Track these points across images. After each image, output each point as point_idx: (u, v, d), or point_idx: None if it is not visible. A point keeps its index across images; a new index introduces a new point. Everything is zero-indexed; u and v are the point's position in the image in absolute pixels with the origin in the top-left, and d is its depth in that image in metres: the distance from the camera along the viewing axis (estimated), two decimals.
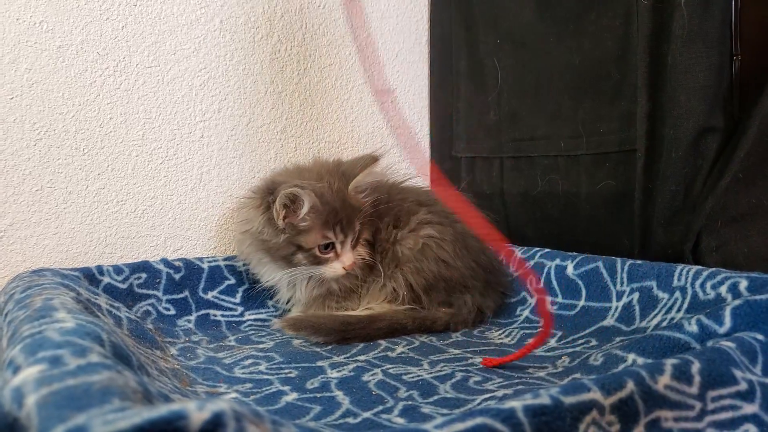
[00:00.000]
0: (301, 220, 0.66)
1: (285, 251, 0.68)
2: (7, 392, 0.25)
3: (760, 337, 0.42)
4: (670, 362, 0.37)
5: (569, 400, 0.32)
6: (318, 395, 0.49)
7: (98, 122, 0.78)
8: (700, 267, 0.57)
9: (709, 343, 0.44)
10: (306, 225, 0.66)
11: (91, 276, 0.71)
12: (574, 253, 0.72)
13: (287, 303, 0.77)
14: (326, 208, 0.66)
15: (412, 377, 0.53)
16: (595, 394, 0.33)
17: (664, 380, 0.36)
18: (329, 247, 0.68)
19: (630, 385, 0.35)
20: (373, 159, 0.71)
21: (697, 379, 0.37)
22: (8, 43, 0.72)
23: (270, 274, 0.72)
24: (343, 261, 0.68)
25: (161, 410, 0.21)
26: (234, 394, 0.50)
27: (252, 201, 0.70)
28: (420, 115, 1.05)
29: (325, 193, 0.67)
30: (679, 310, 0.56)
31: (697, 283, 0.55)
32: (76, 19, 0.76)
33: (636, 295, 0.61)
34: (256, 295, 0.82)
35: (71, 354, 0.29)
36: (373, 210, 0.71)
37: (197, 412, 0.21)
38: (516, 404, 0.31)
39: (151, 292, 0.75)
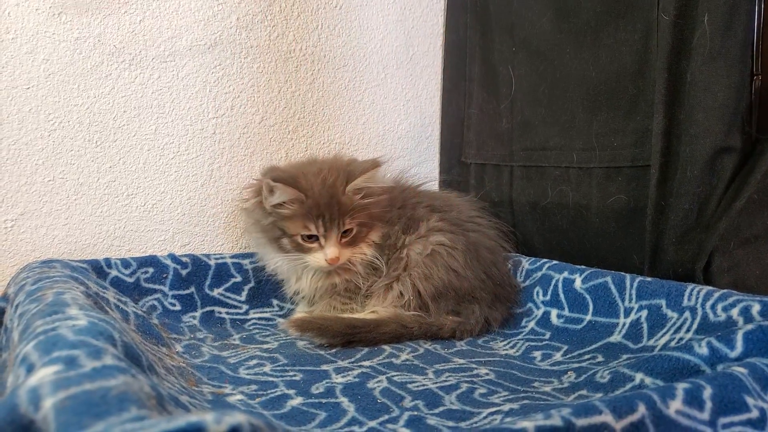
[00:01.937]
0: (283, 208, 0.69)
1: (272, 234, 0.72)
2: (23, 392, 0.25)
3: None
4: (681, 386, 0.37)
5: (581, 422, 0.32)
6: (323, 401, 0.49)
7: (112, 115, 0.78)
8: (711, 288, 0.57)
9: (720, 367, 0.44)
10: (288, 213, 0.69)
11: (99, 269, 0.71)
12: (583, 267, 0.71)
13: (294, 295, 0.77)
14: (310, 201, 0.68)
15: (417, 386, 0.53)
16: (607, 417, 0.33)
17: (675, 405, 0.36)
18: (312, 237, 0.70)
19: (641, 409, 0.34)
20: (374, 164, 0.72)
21: (708, 405, 0.37)
22: (27, 33, 0.72)
23: (269, 256, 0.75)
24: (326, 253, 0.69)
25: (179, 422, 0.21)
26: (240, 396, 0.50)
27: (253, 183, 0.75)
28: (431, 119, 1.05)
29: (313, 188, 0.69)
30: (688, 331, 0.55)
31: (708, 304, 0.55)
32: (95, 11, 0.76)
33: (644, 313, 0.61)
34: (262, 293, 0.82)
35: (86, 355, 0.29)
36: (378, 212, 0.72)
37: (215, 425, 0.21)
38: (528, 425, 0.31)
39: (157, 286, 0.75)
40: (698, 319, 0.55)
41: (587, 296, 0.68)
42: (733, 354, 0.45)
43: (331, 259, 0.69)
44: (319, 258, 0.70)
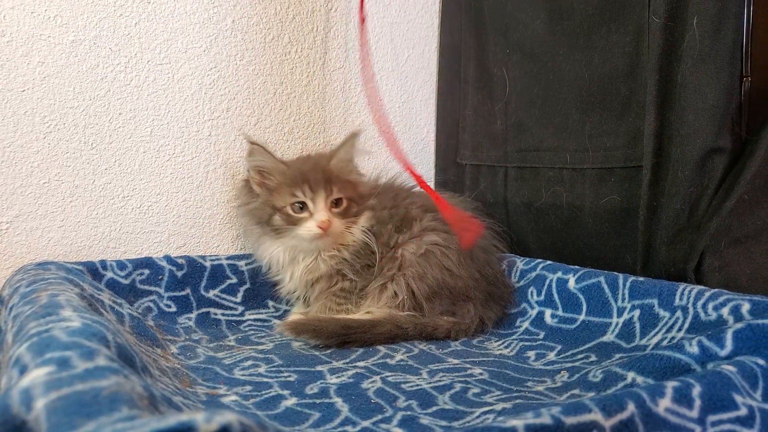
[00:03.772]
0: (268, 180, 0.73)
1: (264, 214, 0.74)
2: (15, 393, 0.25)
3: (761, 362, 0.42)
4: (671, 384, 0.38)
5: (570, 420, 0.32)
6: (317, 401, 0.49)
7: (107, 117, 0.79)
8: (702, 287, 0.57)
9: (710, 366, 0.45)
10: (274, 184, 0.73)
11: (94, 270, 0.71)
12: (576, 267, 0.72)
13: (288, 295, 0.78)
14: (293, 170, 0.72)
15: (411, 386, 0.53)
16: (596, 416, 0.33)
17: (664, 403, 0.36)
18: (303, 208, 0.72)
19: (631, 407, 0.35)
20: (352, 135, 0.77)
21: (697, 402, 0.37)
22: (22, 36, 0.73)
23: (265, 247, 0.76)
24: (316, 218, 0.71)
25: (169, 421, 0.21)
26: (234, 397, 0.50)
27: (240, 183, 0.79)
28: (426, 121, 1.05)
29: (295, 163, 0.74)
30: (679, 330, 0.56)
31: (699, 303, 0.55)
32: (91, 14, 0.76)
33: (637, 312, 0.61)
34: (257, 295, 0.82)
35: (79, 356, 0.30)
36: (366, 191, 0.76)
37: (205, 424, 0.22)
38: (517, 423, 0.31)
39: (153, 288, 0.75)
40: (690, 318, 0.55)
41: (581, 296, 0.68)
42: (723, 353, 0.45)
43: (321, 221, 0.70)
44: (310, 226, 0.71)
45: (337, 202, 0.72)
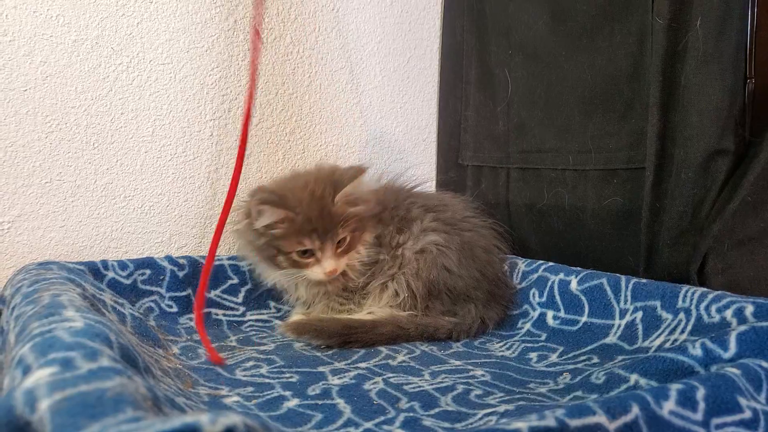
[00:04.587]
0: (274, 228, 0.68)
1: (267, 253, 0.70)
2: (19, 394, 0.25)
3: (765, 364, 0.42)
4: (675, 387, 0.37)
5: (574, 423, 0.32)
6: (319, 402, 0.49)
7: (109, 117, 0.79)
8: (705, 289, 0.57)
9: (714, 368, 0.44)
10: (281, 232, 0.68)
11: (95, 270, 0.71)
12: (579, 268, 0.72)
13: (296, 301, 0.78)
14: (301, 217, 0.67)
15: (413, 388, 0.53)
16: (600, 418, 0.33)
17: (669, 405, 0.36)
18: (307, 252, 0.68)
19: (635, 410, 0.35)
20: (359, 171, 0.71)
21: (701, 405, 0.37)
22: (24, 35, 0.72)
23: (266, 273, 0.74)
24: (324, 267, 0.68)
25: (174, 422, 0.21)
26: (236, 398, 0.50)
27: (242, 205, 0.73)
28: (428, 121, 1.05)
29: (302, 203, 0.68)
30: (682, 332, 0.56)
31: (702, 305, 0.55)
32: (93, 13, 0.76)
33: (639, 314, 0.61)
34: (258, 295, 0.82)
35: (82, 357, 0.30)
36: (368, 216, 0.72)
37: (210, 425, 0.21)
38: (521, 425, 0.31)
39: (154, 288, 0.75)
40: (693, 320, 0.55)
41: (583, 298, 0.68)
42: (727, 355, 0.45)
43: (329, 272, 0.68)
44: (317, 272, 0.69)
45: (341, 241, 0.70)
